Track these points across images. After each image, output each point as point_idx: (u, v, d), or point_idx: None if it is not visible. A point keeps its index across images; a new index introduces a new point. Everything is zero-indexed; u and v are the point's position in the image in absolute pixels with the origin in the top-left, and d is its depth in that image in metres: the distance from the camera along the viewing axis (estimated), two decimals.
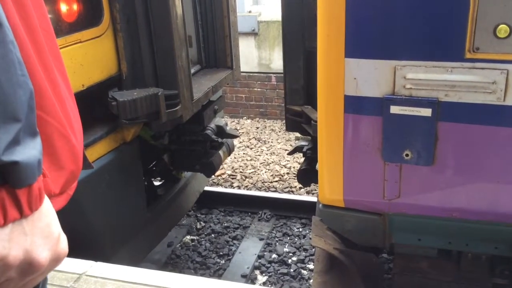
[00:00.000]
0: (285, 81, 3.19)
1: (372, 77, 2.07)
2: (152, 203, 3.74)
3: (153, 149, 3.76)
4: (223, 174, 5.90)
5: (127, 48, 3.02)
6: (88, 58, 2.80)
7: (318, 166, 2.48)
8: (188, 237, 4.74)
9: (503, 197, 2.12)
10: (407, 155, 2.13)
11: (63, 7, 2.66)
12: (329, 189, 2.43)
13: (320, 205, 2.54)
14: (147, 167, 3.90)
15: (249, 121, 7.80)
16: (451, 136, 2.07)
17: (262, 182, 5.67)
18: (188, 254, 4.46)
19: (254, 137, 7.07)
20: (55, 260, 0.80)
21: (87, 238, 2.95)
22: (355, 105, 2.16)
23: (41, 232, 0.76)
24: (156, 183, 4.26)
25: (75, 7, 2.75)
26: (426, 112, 2.04)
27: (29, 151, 0.72)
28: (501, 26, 1.83)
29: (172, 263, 4.36)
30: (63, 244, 0.82)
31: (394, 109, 2.08)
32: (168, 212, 3.96)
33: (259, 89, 7.71)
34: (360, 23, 2.04)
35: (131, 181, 3.33)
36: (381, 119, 2.12)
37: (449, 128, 2.05)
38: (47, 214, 0.78)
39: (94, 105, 2.97)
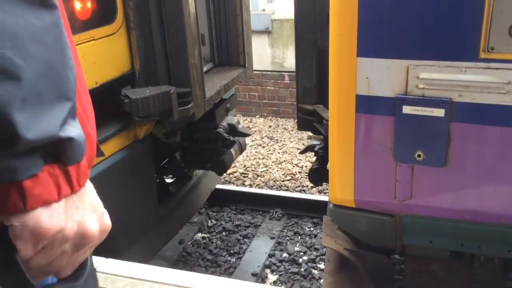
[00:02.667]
0: (297, 80, 3.18)
1: (384, 76, 2.05)
2: (164, 201, 3.76)
3: (165, 146, 3.78)
4: (235, 172, 5.91)
5: (140, 46, 3.04)
6: (101, 56, 2.82)
7: (329, 166, 2.47)
8: (199, 234, 4.76)
9: None
10: (419, 155, 2.11)
11: (77, 5, 2.68)
12: (340, 189, 2.41)
13: (331, 205, 2.53)
14: (159, 164, 3.92)
15: (261, 119, 7.79)
16: (464, 137, 2.04)
17: (274, 181, 5.66)
18: (199, 251, 4.48)
19: (266, 136, 7.06)
20: (102, 232, 0.85)
21: None
22: (367, 105, 2.14)
23: (89, 206, 0.81)
24: (168, 180, 4.28)
25: (89, 5, 2.76)
26: (439, 112, 2.01)
27: (77, 130, 0.76)
28: None
29: (183, 261, 4.38)
30: (107, 218, 0.86)
31: (407, 109, 2.05)
32: (180, 210, 3.98)
33: (272, 88, 7.70)
34: (373, 22, 2.02)
35: (143, 178, 3.34)
36: (393, 119, 2.10)
37: (462, 129, 2.03)
38: (91, 190, 0.84)
39: (107, 102, 3.00)
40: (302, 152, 3.66)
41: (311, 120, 3.15)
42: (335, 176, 2.40)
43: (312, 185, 5.21)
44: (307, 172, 5.16)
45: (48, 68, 0.71)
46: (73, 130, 0.74)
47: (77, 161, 0.77)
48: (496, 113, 1.95)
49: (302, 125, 3.30)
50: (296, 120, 3.45)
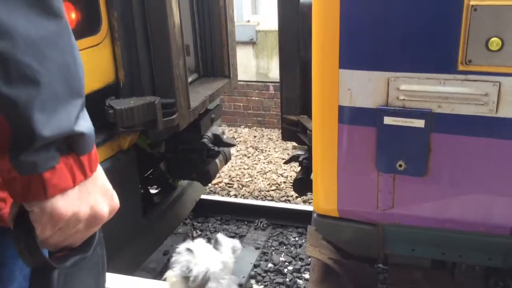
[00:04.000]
0: (281, 91, 3.21)
1: (366, 88, 2.09)
2: (148, 211, 3.74)
3: (149, 157, 3.77)
4: (220, 182, 5.91)
5: (124, 56, 3.04)
6: (85, 67, 2.76)
7: (313, 176, 2.49)
8: None
9: (495, 209, 2.13)
10: (400, 165, 2.14)
11: None
12: (323, 199, 2.44)
13: (315, 214, 2.55)
14: (144, 175, 3.91)
15: (246, 129, 7.82)
16: (444, 147, 2.08)
17: (259, 191, 5.67)
18: None
19: (251, 146, 7.08)
20: (111, 212, 0.93)
21: None
22: (349, 116, 2.17)
23: (100, 190, 0.89)
24: (153, 191, 4.26)
25: (73, 15, 2.77)
26: (419, 123, 2.05)
27: (87, 123, 0.84)
28: (493, 39, 1.86)
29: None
30: (116, 199, 0.94)
31: (388, 120, 2.09)
32: (164, 220, 3.96)
33: (257, 98, 7.74)
34: (354, 35, 2.06)
35: (127, 189, 3.33)
36: (375, 130, 2.14)
37: (442, 139, 2.07)
38: (101, 175, 0.91)
39: (91, 113, 2.98)
40: (287, 162, 3.69)
41: (295, 131, 3.18)
42: (319, 186, 2.43)
43: (297, 195, 5.23)
44: (292, 182, 5.19)
45: (63, 69, 0.79)
46: (84, 124, 0.83)
47: (89, 151, 0.85)
48: (474, 123, 2.00)
49: (287, 136, 3.33)
50: (280, 131, 3.48)
